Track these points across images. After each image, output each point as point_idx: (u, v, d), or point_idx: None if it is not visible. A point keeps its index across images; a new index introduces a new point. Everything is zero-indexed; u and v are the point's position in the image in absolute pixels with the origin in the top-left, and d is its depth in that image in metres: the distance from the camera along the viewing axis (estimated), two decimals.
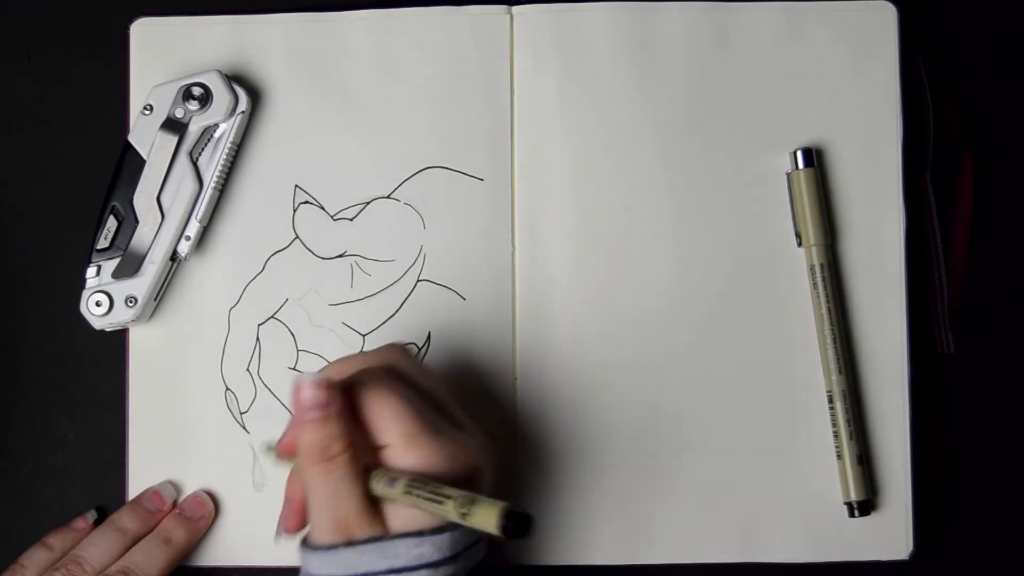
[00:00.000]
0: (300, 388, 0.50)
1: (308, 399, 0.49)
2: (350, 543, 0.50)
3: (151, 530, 0.62)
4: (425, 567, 0.50)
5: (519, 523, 0.45)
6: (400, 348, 0.55)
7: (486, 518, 0.46)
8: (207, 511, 0.62)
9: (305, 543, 0.51)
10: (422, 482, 0.48)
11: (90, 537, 0.61)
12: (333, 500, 0.50)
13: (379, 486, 0.50)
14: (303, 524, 0.54)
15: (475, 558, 0.52)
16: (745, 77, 0.64)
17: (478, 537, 0.52)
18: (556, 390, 0.63)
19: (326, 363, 0.62)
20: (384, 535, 0.50)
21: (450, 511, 0.47)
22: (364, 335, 0.63)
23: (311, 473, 0.50)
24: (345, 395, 0.50)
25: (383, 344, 0.56)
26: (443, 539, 0.50)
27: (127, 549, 0.61)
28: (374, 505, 0.50)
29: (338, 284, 0.63)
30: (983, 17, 0.66)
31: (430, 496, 0.48)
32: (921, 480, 0.63)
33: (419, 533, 0.49)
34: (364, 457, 0.50)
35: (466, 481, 0.50)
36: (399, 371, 0.53)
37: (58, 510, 0.64)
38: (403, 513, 0.50)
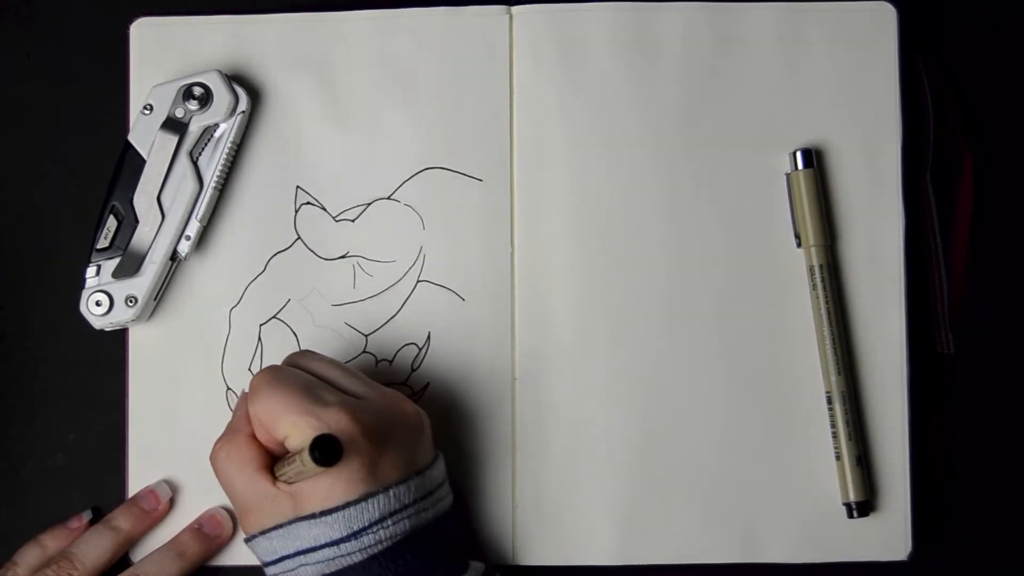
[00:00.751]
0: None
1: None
2: (263, 531, 0.54)
3: (146, 530, 0.62)
4: (326, 546, 0.52)
5: (324, 449, 0.49)
6: (292, 355, 0.59)
7: (304, 457, 0.49)
8: (225, 531, 0.62)
9: (244, 539, 0.56)
10: (292, 455, 0.52)
11: (84, 535, 0.61)
12: (228, 487, 0.56)
13: (282, 471, 0.54)
14: None
15: (406, 524, 0.53)
16: (745, 77, 0.64)
17: (403, 503, 0.53)
18: (555, 390, 0.63)
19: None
20: (286, 520, 0.53)
21: (306, 465, 0.50)
22: (366, 335, 0.63)
23: (212, 464, 0.56)
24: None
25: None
26: (336, 518, 0.52)
27: (122, 548, 0.61)
28: (286, 492, 0.53)
29: (341, 284, 0.64)
30: (983, 17, 0.66)
31: (292, 463, 0.52)
32: (920, 481, 0.63)
33: (312, 515, 0.52)
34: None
35: (362, 444, 0.53)
36: (293, 360, 0.58)
37: (58, 510, 0.64)
38: (311, 493, 0.53)
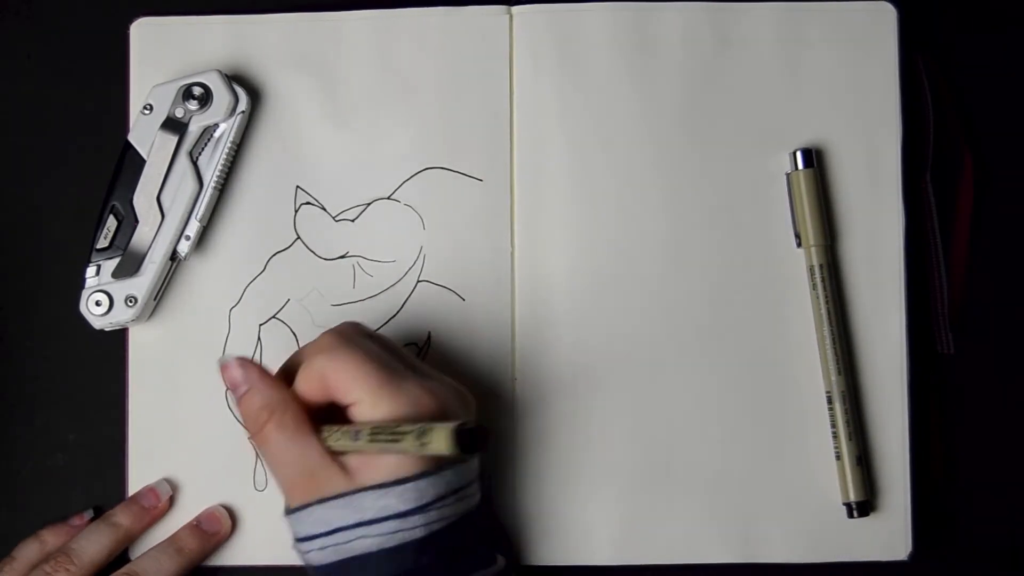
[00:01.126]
0: (223, 369, 0.55)
1: (229, 379, 0.54)
2: (320, 500, 0.51)
3: (146, 527, 0.62)
4: (392, 518, 0.51)
5: (473, 437, 0.47)
6: (352, 323, 0.57)
7: (440, 440, 0.47)
8: (223, 528, 0.62)
9: (286, 511, 0.53)
10: (382, 427, 0.50)
11: (83, 531, 0.61)
12: (280, 462, 0.53)
13: (341, 441, 0.51)
14: None
15: (457, 508, 0.53)
16: (745, 77, 0.64)
17: (456, 487, 0.52)
18: (555, 390, 0.63)
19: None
20: (349, 490, 0.51)
21: (409, 444, 0.48)
22: None
23: (256, 443, 0.54)
24: (289, 369, 0.55)
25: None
26: (406, 489, 0.51)
27: (120, 545, 0.61)
28: (337, 462, 0.52)
29: (341, 285, 0.64)
30: (983, 17, 0.66)
31: (391, 437, 0.49)
32: (920, 480, 0.63)
33: (381, 485, 0.51)
34: (318, 417, 0.53)
35: (451, 415, 0.52)
36: (362, 331, 0.56)
37: (58, 510, 0.64)
38: (371, 465, 0.51)
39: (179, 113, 0.62)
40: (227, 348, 0.63)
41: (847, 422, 0.61)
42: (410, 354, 0.57)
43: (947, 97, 0.65)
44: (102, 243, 0.61)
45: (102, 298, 0.61)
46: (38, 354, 0.65)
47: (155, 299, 0.62)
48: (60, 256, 0.65)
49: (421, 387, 0.52)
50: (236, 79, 0.63)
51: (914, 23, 0.64)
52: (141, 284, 0.61)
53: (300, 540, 0.53)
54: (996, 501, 0.64)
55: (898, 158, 0.64)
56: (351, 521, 0.51)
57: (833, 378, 0.62)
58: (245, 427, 0.54)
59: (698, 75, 0.64)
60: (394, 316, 0.63)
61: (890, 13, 0.64)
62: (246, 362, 0.54)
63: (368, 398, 0.52)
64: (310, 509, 0.52)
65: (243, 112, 0.62)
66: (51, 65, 0.66)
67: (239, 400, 0.54)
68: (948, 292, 0.64)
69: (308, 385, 0.53)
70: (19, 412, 0.65)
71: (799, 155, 0.62)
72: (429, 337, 0.63)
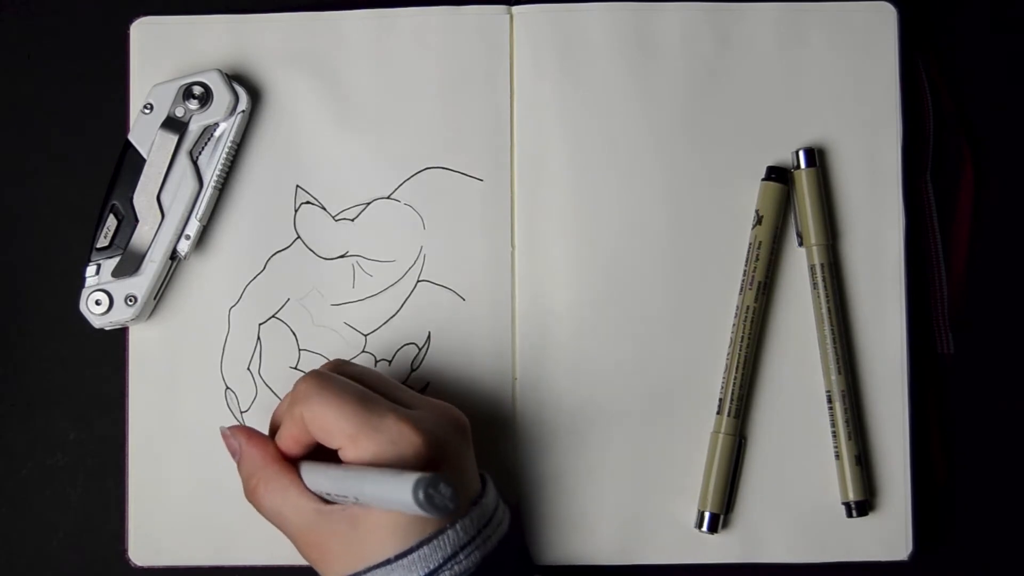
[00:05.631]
0: (223, 439, 0.57)
1: (228, 448, 0.57)
2: None
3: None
4: None
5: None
6: (334, 362, 0.58)
7: (401, 499, 0.46)
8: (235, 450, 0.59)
9: None
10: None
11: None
12: (279, 523, 0.54)
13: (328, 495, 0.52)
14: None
15: (482, 550, 0.52)
16: (745, 77, 0.64)
17: (456, 548, 0.52)
18: (555, 390, 0.63)
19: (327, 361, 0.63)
20: (354, 572, 0.51)
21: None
22: (366, 335, 0.63)
23: (255, 503, 0.55)
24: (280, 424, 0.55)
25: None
26: (411, 560, 0.50)
27: None
28: (336, 510, 0.52)
29: (340, 284, 0.64)
30: (983, 17, 0.66)
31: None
32: (920, 480, 0.63)
33: (386, 562, 0.51)
34: (325, 455, 0.53)
35: (426, 457, 0.51)
36: (342, 368, 0.57)
37: (58, 510, 0.64)
38: (374, 524, 0.51)
39: (179, 112, 0.62)
40: (227, 347, 0.63)
41: (847, 421, 0.61)
42: (396, 384, 0.56)
43: (947, 97, 0.65)
44: (102, 242, 0.61)
45: (102, 297, 0.61)
46: (38, 354, 0.65)
47: (155, 298, 0.62)
48: (60, 256, 0.65)
49: (402, 423, 0.52)
50: (236, 79, 0.63)
51: (914, 23, 0.64)
52: (141, 283, 0.61)
53: None
54: (996, 501, 0.64)
55: (898, 158, 0.64)
56: None
57: (833, 377, 0.62)
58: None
59: (698, 75, 0.64)
60: (394, 316, 0.63)
61: (890, 13, 0.64)
62: (237, 429, 0.56)
63: (348, 444, 0.52)
64: None
65: (243, 112, 0.62)
66: (51, 65, 0.66)
67: (238, 468, 0.56)
68: (948, 292, 0.64)
69: (292, 437, 0.54)
70: (19, 412, 0.65)
71: (802, 154, 0.62)
72: (429, 337, 0.63)
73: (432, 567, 0.51)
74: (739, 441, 0.62)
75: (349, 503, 0.52)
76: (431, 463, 0.52)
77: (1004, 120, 0.66)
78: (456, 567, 0.51)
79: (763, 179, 0.63)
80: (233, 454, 0.56)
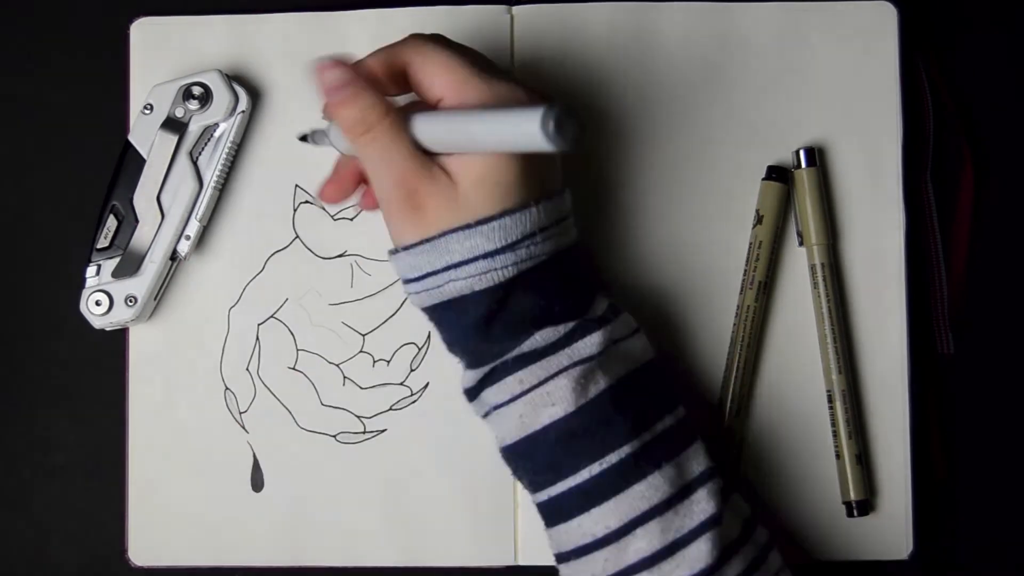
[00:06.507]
0: (322, 71, 0.51)
1: (332, 80, 0.51)
2: (405, 248, 0.51)
3: None
4: (480, 258, 0.50)
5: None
6: (436, 35, 0.54)
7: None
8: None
9: (389, 253, 0.53)
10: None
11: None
12: (388, 163, 0.51)
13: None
14: (341, 195, 0.58)
15: (546, 247, 0.52)
16: (745, 77, 0.64)
17: (544, 224, 0.51)
18: None
19: (326, 361, 0.63)
20: (431, 236, 0.51)
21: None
22: (364, 335, 0.63)
23: (360, 146, 0.51)
24: (381, 66, 0.52)
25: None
26: (491, 228, 0.50)
27: None
28: (437, 163, 0.51)
29: (338, 284, 0.63)
30: (983, 17, 0.66)
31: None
32: (921, 480, 0.63)
33: (466, 226, 0.50)
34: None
35: None
36: (444, 37, 0.54)
37: (58, 510, 0.64)
38: (470, 164, 0.50)
39: (179, 113, 0.62)
40: (226, 348, 0.63)
41: (847, 421, 0.61)
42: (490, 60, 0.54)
43: (947, 97, 0.65)
44: (102, 243, 0.61)
45: (102, 298, 0.61)
46: (38, 354, 0.65)
47: (155, 299, 0.62)
48: (60, 256, 0.65)
49: (511, 87, 0.51)
50: (236, 79, 0.63)
51: (914, 23, 0.64)
52: (141, 284, 0.61)
53: (405, 282, 0.53)
54: (996, 501, 0.64)
55: (898, 158, 0.64)
56: (439, 265, 0.51)
57: (833, 377, 0.62)
58: (344, 131, 0.52)
59: (698, 75, 0.64)
60: (393, 315, 0.63)
61: (890, 13, 0.64)
62: (346, 65, 0.52)
63: (452, 92, 0.50)
64: (400, 255, 0.52)
65: (243, 112, 0.62)
66: (51, 65, 0.66)
67: (340, 103, 0.51)
68: (948, 292, 0.64)
69: (385, 72, 0.52)
70: (19, 412, 0.65)
71: (802, 153, 0.62)
72: (429, 337, 0.63)
73: (511, 239, 0.50)
74: (739, 441, 0.62)
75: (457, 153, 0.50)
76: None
77: (1004, 120, 0.66)
78: (533, 248, 0.51)
79: (763, 179, 0.63)
80: (331, 91, 0.51)
